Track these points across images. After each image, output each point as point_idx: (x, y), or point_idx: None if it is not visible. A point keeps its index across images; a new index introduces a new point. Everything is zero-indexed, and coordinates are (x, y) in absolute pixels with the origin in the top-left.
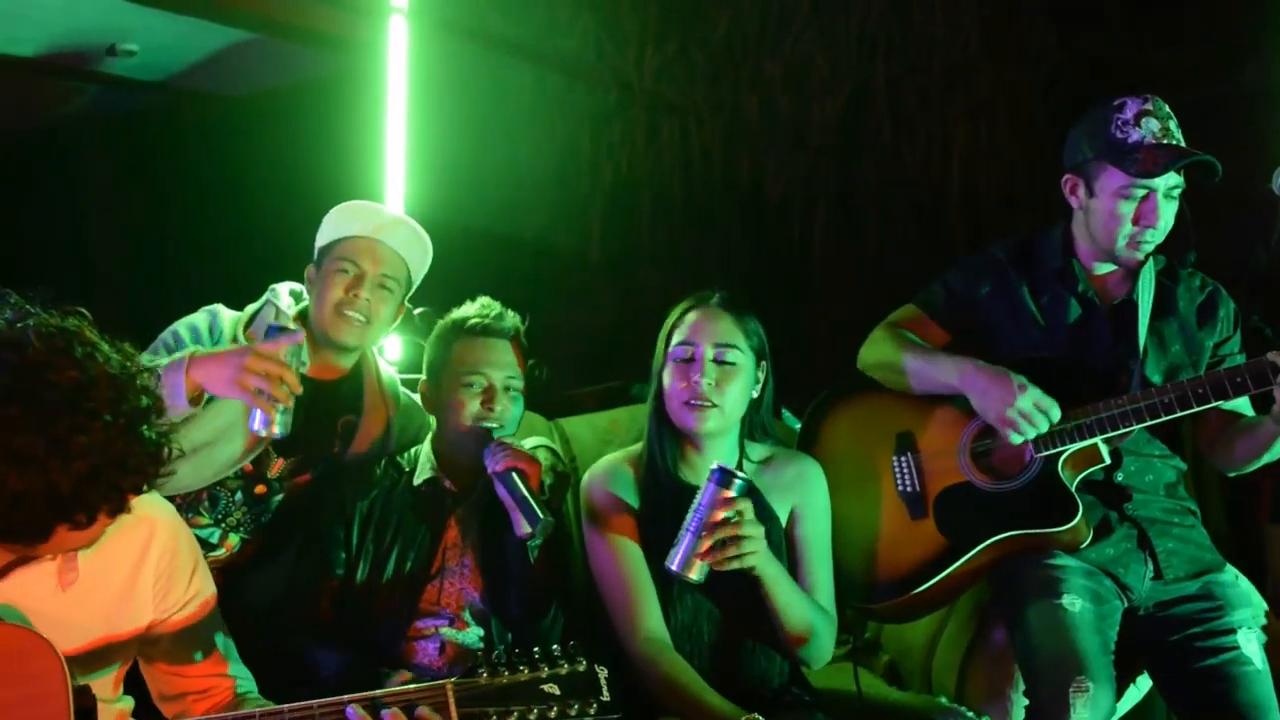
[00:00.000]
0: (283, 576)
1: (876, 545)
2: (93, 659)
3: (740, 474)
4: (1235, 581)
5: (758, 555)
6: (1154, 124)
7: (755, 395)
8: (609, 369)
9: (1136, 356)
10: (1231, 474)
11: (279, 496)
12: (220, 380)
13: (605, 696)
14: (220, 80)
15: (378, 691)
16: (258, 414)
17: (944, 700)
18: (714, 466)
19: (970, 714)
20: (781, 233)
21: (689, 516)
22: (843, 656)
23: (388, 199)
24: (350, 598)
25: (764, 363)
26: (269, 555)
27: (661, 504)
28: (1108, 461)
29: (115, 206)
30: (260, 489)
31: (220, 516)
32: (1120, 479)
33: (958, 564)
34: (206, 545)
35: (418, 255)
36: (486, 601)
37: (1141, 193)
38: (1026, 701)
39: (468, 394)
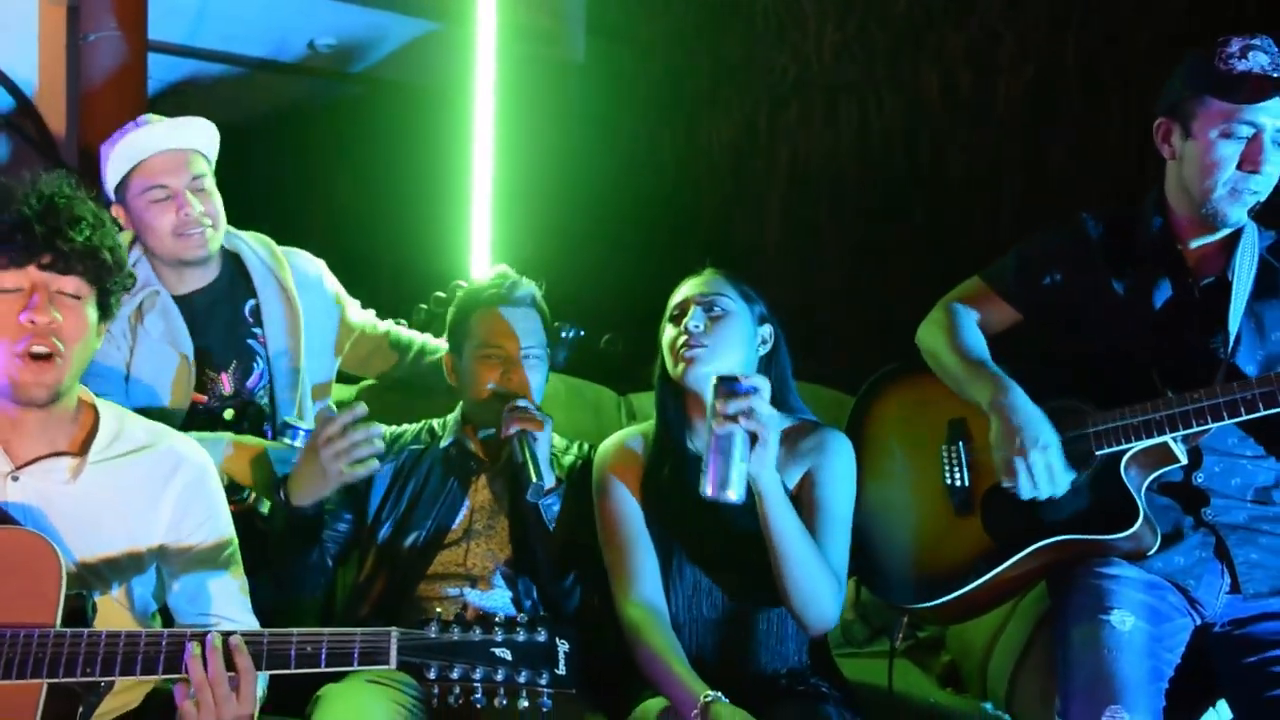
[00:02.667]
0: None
1: (917, 540)
2: (111, 566)
3: (742, 375)
4: None
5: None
6: (1263, 58)
7: (763, 354)
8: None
9: (1226, 344)
10: None
11: (253, 403)
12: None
13: (560, 670)
14: (413, 70)
15: (323, 630)
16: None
17: (989, 707)
18: (713, 378)
19: None
20: (965, 215)
21: (706, 437)
22: (900, 652)
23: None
24: (381, 556)
25: (768, 325)
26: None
27: (668, 473)
28: (1183, 461)
29: (324, 192)
30: (228, 413)
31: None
32: (1200, 481)
33: (999, 569)
34: (232, 488)
35: (205, 140)
36: (513, 564)
37: (1247, 131)
38: None
39: (487, 365)
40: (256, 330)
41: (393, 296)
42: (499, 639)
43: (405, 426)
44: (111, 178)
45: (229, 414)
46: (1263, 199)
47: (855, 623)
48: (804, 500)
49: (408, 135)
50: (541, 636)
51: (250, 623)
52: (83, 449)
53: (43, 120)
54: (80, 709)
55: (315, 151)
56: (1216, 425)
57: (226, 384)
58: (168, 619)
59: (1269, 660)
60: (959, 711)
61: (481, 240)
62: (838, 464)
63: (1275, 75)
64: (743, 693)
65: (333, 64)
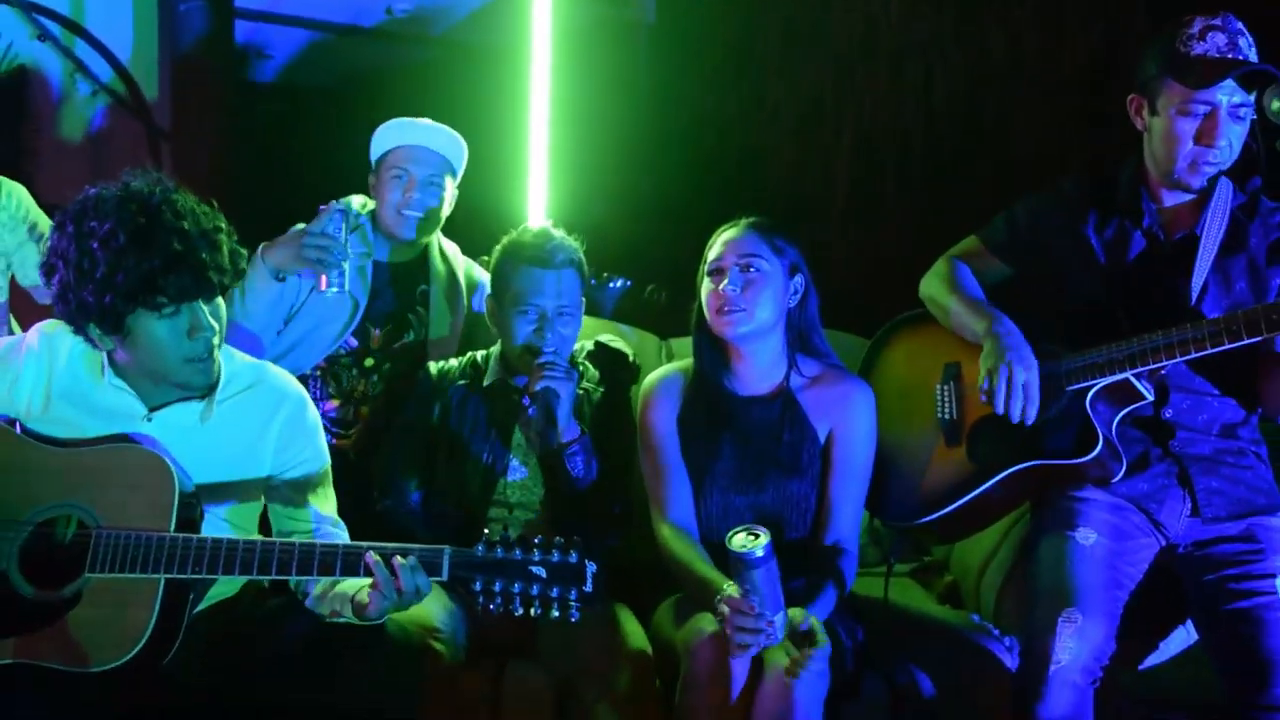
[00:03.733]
0: (385, 460)
1: (912, 467)
2: (228, 489)
3: (745, 550)
4: None
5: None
6: (1220, 38)
7: (794, 305)
8: (850, 318)
9: (1189, 294)
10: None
11: (387, 365)
12: (286, 258)
13: (588, 588)
14: (486, 32)
15: (389, 545)
16: (321, 278)
17: (975, 618)
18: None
19: (996, 632)
20: (1029, 177)
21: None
22: (905, 573)
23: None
24: (436, 482)
25: (799, 276)
26: (378, 435)
27: (702, 408)
28: (1149, 398)
29: None
30: (369, 361)
31: (347, 393)
32: (1168, 416)
33: (978, 491)
34: (343, 424)
35: (455, 152)
36: (549, 503)
37: (1203, 109)
38: None
39: (523, 320)
40: (420, 309)
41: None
42: (536, 559)
43: (451, 361)
44: (375, 149)
45: (369, 361)
46: (1224, 167)
47: (869, 546)
48: (828, 455)
49: (482, 96)
50: (573, 558)
51: (341, 535)
52: (208, 392)
53: (137, 86)
54: (191, 595)
55: (393, 113)
56: (1171, 362)
57: (376, 339)
58: (266, 529)
59: (1226, 578)
60: (947, 621)
61: (538, 197)
62: (859, 423)
63: (1230, 56)
64: None
65: (410, 28)
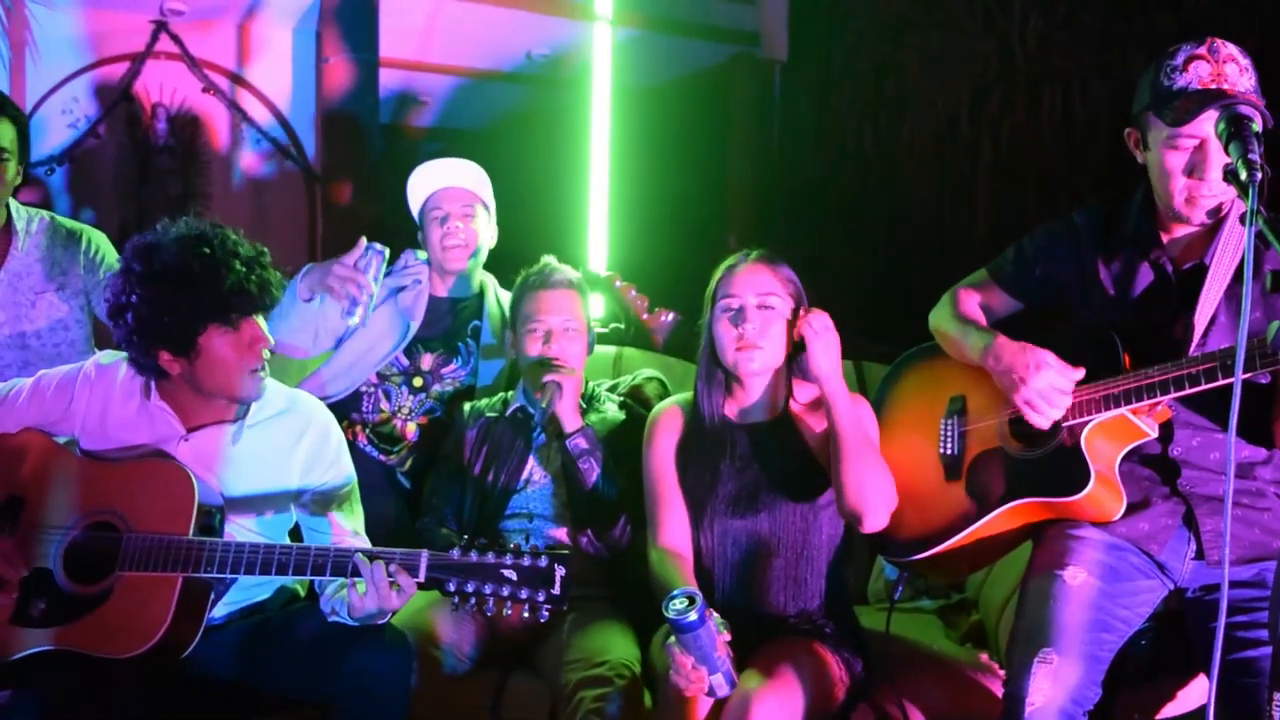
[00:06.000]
0: (426, 484)
1: (913, 503)
2: (259, 502)
3: (678, 616)
4: None
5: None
6: (1204, 68)
7: (798, 339)
8: None
9: (1190, 327)
10: None
11: (436, 386)
12: (314, 283)
13: (555, 591)
14: (622, 74)
15: (374, 548)
16: (341, 306)
17: (983, 657)
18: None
19: (1002, 672)
20: None
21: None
22: (932, 610)
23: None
24: (475, 498)
25: (801, 308)
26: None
27: (703, 438)
28: (1151, 435)
29: (544, 190)
30: (418, 381)
31: (395, 408)
32: (1175, 454)
33: (974, 526)
34: (392, 440)
35: (482, 186)
36: (559, 513)
37: (1190, 143)
38: None
39: (532, 337)
40: (470, 341)
41: None
42: (508, 562)
43: (483, 400)
44: (414, 202)
45: (418, 381)
46: (1223, 195)
47: (886, 581)
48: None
49: (615, 133)
50: (543, 563)
51: (362, 543)
52: (240, 415)
53: (294, 133)
54: (211, 596)
55: (535, 151)
56: (1168, 398)
57: (426, 362)
58: (296, 538)
59: (1232, 625)
60: (948, 656)
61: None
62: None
63: (1214, 86)
64: (758, 628)
65: (548, 71)
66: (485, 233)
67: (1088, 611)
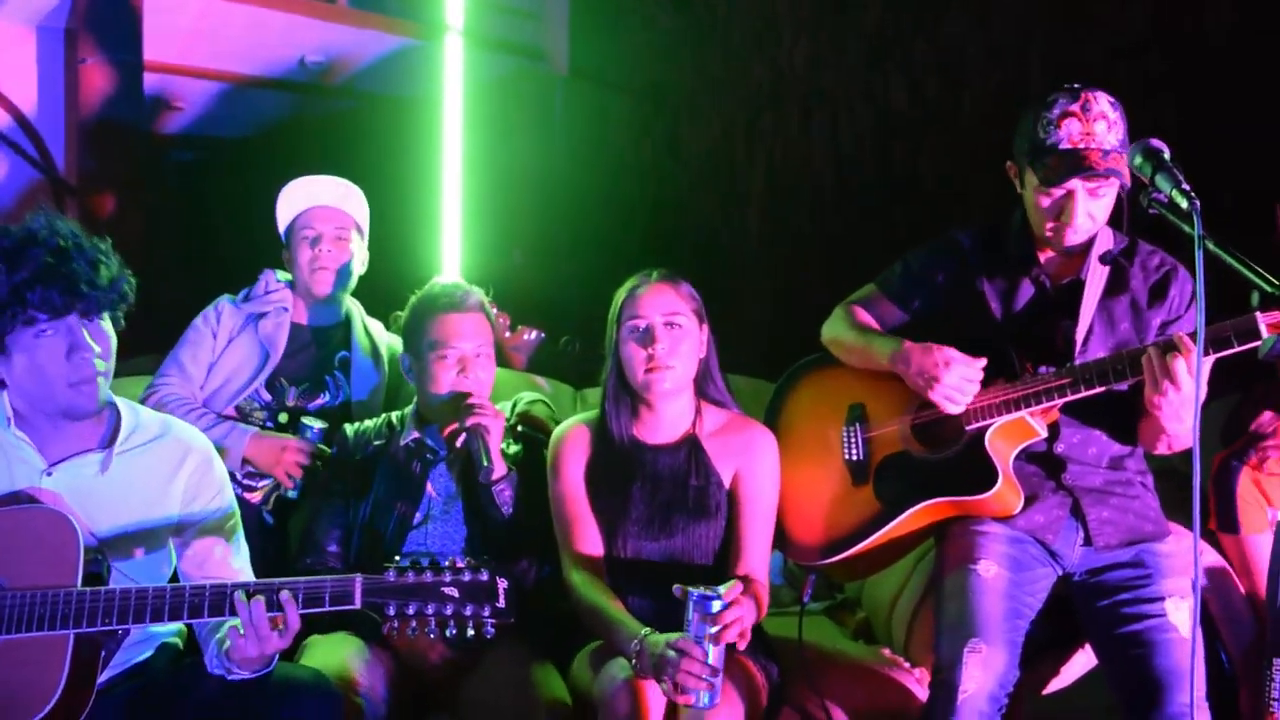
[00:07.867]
0: (304, 518)
1: (822, 508)
2: (133, 539)
3: (711, 593)
4: (1172, 552)
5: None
6: (1074, 127)
7: (703, 356)
8: (768, 364)
9: (1072, 336)
10: (1157, 454)
11: (301, 420)
12: (264, 461)
13: (500, 604)
14: (398, 84)
15: (298, 579)
16: (284, 485)
17: (886, 652)
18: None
19: (907, 665)
20: (938, 219)
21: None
22: (819, 611)
23: None
24: (363, 536)
25: (704, 325)
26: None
27: (611, 459)
28: (1042, 435)
29: None
30: (283, 417)
31: None
32: (1060, 450)
33: (886, 528)
34: (254, 475)
35: (355, 205)
36: (469, 549)
37: (1060, 193)
38: None
39: (443, 364)
40: (339, 374)
41: (372, 301)
42: (448, 579)
43: (368, 422)
44: (282, 217)
45: (284, 417)
46: (1094, 231)
47: (783, 588)
48: (735, 496)
49: (395, 147)
50: (484, 576)
51: (247, 576)
52: (108, 443)
53: (41, 139)
54: (102, 652)
55: (306, 162)
56: (1062, 401)
57: (291, 396)
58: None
59: (1118, 603)
60: (859, 656)
61: (452, 248)
62: (762, 464)
63: (1082, 147)
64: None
65: (322, 79)
66: (359, 258)
67: (1004, 601)
